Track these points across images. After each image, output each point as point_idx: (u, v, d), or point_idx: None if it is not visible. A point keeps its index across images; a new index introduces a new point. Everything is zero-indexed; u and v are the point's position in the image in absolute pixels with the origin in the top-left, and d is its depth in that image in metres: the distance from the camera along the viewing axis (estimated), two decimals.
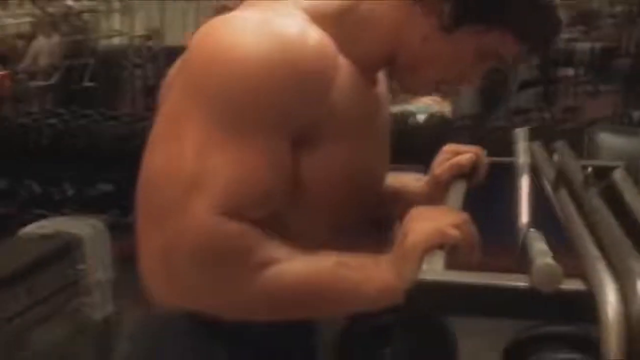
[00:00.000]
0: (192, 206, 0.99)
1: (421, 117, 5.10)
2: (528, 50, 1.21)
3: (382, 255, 1.03)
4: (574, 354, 1.17)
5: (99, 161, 5.16)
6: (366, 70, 1.17)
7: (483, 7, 1.12)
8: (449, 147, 1.40)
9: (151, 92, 6.28)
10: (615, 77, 6.07)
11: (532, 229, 0.99)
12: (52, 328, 3.05)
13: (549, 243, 0.90)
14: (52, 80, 6.81)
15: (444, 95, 4.65)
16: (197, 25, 1.25)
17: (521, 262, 0.89)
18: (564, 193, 1.14)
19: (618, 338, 0.72)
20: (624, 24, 6.39)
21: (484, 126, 5.18)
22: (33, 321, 2.94)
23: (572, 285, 0.82)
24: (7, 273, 2.88)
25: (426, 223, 1.00)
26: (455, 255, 0.97)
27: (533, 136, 1.45)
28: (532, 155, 1.36)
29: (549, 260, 0.82)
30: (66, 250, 3.18)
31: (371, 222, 1.28)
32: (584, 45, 6.22)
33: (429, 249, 0.96)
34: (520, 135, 1.44)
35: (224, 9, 1.20)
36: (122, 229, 2.31)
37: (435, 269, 0.89)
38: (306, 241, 1.06)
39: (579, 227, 0.97)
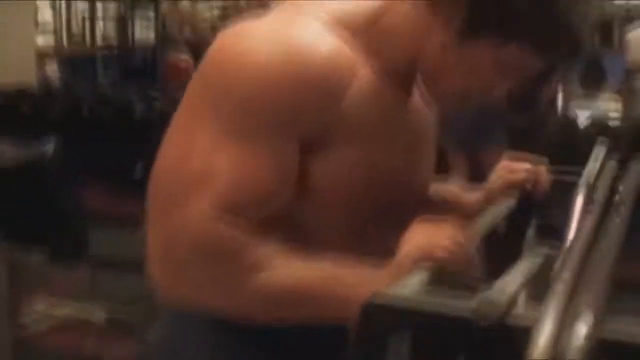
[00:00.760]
0: (193, 202, 1.04)
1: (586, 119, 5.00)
2: (553, 66, 1.19)
3: (380, 266, 1.04)
4: None
5: None
6: (392, 78, 1.17)
7: (498, 19, 1.09)
8: (504, 163, 1.39)
9: None
10: None
11: None
12: None
13: None
14: None
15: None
16: None
17: None
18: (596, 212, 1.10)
19: None
20: None
21: None
22: None
23: (513, 320, 0.76)
24: None
25: (419, 239, 1.01)
26: (445, 273, 0.97)
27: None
28: (601, 169, 1.29)
29: (493, 293, 0.78)
30: None
31: None
32: None
33: (416, 266, 0.96)
34: (600, 146, 1.38)
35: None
36: None
37: (395, 290, 0.86)
38: (324, 243, 1.09)
39: (577, 250, 0.93)
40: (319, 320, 1.12)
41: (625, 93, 5.36)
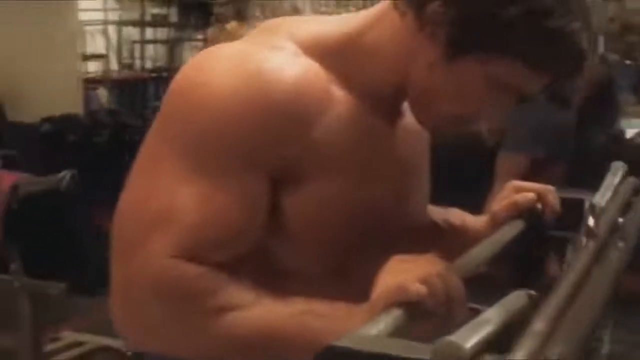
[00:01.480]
0: (154, 242, 0.98)
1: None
2: (551, 82, 1.08)
3: (359, 305, 0.96)
4: None
5: None
6: (377, 101, 1.09)
7: (483, 33, 1.00)
8: (512, 184, 1.27)
9: None
10: None
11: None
12: None
13: None
14: None
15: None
16: None
17: None
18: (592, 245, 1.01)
19: None
20: None
21: None
22: None
23: None
24: None
25: (393, 276, 0.92)
26: (423, 313, 0.87)
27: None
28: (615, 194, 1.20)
29: (453, 339, 0.70)
30: None
31: None
32: None
33: (388, 305, 0.86)
34: (615, 169, 1.28)
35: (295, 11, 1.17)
36: None
37: (359, 333, 0.78)
38: (305, 282, 1.03)
39: (559, 294, 0.84)
40: None
41: None
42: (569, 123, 3.95)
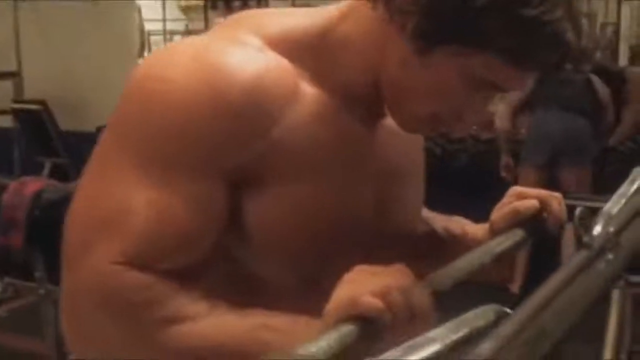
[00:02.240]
0: (101, 249, 0.91)
1: None
2: (532, 77, 0.98)
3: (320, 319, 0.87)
4: None
5: None
6: (353, 99, 1.01)
7: (454, 23, 0.91)
8: (514, 189, 1.17)
9: None
10: None
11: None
12: None
13: None
14: None
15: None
16: None
17: None
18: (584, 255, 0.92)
19: None
20: None
21: None
22: None
23: None
24: None
25: (349, 288, 0.83)
26: (379, 331, 0.79)
27: None
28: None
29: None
30: None
31: None
32: None
33: (339, 320, 0.79)
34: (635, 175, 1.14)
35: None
36: None
37: (289, 352, 0.73)
38: (275, 291, 0.97)
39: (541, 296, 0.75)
40: None
41: None
42: (588, 130, 3.90)
